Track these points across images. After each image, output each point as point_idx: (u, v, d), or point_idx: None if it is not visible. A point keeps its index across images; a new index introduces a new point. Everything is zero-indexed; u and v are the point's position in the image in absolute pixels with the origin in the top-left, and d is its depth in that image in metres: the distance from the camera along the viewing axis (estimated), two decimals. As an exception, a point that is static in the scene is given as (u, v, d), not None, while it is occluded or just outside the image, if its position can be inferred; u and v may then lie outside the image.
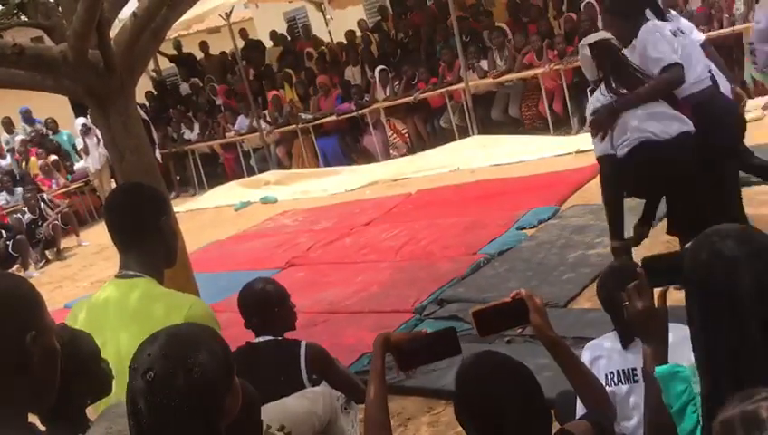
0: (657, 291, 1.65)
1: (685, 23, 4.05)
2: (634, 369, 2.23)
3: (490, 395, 1.58)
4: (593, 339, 2.51)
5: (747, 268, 1.27)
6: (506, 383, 1.59)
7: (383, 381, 1.83)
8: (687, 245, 1.73)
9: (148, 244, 2.04)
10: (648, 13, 3.67)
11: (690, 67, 3.50)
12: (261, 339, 2.86)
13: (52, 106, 12.38)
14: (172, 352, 1.27)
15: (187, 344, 1.29)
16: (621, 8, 3.58)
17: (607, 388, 2.25)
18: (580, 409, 2.32)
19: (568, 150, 7.86)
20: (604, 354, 2.30)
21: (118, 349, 1.85)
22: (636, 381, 2.22)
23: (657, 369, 1.51)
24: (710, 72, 3.72)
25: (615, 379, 2.25)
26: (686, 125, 3.44)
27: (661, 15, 3.78)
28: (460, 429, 3.22)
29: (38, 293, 1.26)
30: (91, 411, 1.85)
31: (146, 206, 2.09)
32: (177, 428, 1.25)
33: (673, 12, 4.17)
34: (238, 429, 1.34)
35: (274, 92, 11.55)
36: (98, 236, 10.07)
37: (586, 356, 2.35)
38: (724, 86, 3.88)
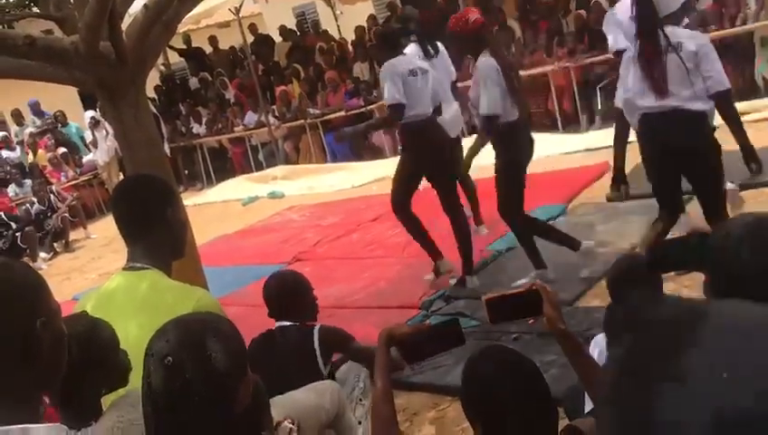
0: None
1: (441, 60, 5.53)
2: None
3: (494, 390, 1.58)
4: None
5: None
6: (511, 378, 1.59)
7: (388, 374, 1.84)
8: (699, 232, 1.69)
9: (156, 235, 2.05)
10: (412, 46, 5.21)
11: (417, 103, 4.55)
12: (278, 325, 2.97)
13: (60, 99, 12.44)
14: (191, 338, 1.28)
15: (205, 332, 1.30)
16: (379, 43, 5.26)
17: None
18: (588, 405, 2.32)
19: (576, 148, 7.84)
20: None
21: (126, 339, 1.86)
22: None
23: None
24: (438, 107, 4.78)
25: None
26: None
27: (424, 51, 5.36)
28: (465, 425, 3.22)
29: (42, 278, 1.26)
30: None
31: (153, 197, 2.10)
32: (194, 413, 1.26)
33: (440, 46, 5.57)
34: (249, 417, 1.35)
35: (282, 88, 11.55)
36: (106, 228, 10.10)
37: (594, 349, 2.35)
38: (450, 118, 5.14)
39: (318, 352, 2.85)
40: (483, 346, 1.77)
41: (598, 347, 2.35)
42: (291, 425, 2.11)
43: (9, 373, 1.16)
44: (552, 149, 8.06)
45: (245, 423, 1.34)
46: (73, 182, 11.76)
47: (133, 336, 1.87)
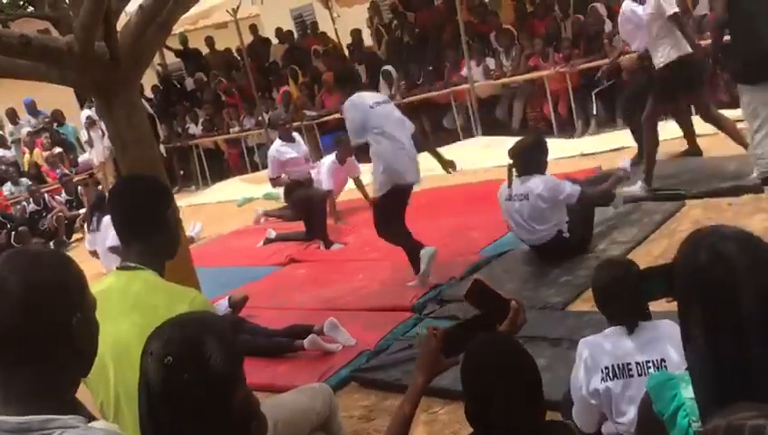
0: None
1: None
2: (628, 364, 2.25)
3: (481, 366, 1.70)
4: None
5: (749, 278, 1.22)
6: (499, 358, 1.69)
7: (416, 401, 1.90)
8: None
9: (154, 236, 2.06)
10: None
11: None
12: None
13: (56, 98, 12.41)
14: (190, 338, 1.29)
15: (203, 332, 1.31)
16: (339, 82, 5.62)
17: (602, 383, 2.27)
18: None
19: (571, 153, 7.85)
20: (599, 350, 2.32)
21: (117, 338, 1.86)
22: (630, 376, 2.23)
23: (650, 377, 1.51)
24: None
25: (610, 374, 2.27)
26: None
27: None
28: (457, 428, 3.23)
29: (81, 269, 1.33)
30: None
31: (153, 198, 2.10)
32: (191, 413, 1.27)
33: None
34: (244, 420, 1.36)
35: (285, 88, 11.54)
36: (100, 228, 10.05)
37: (582, 352, 2.36)
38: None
39: None
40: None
41: (585, 349, 2.36)
42: None
43: (41, 361, 1.21)
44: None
45: (241, 425, 1.34)
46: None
47: (125, 335, 1.87)
